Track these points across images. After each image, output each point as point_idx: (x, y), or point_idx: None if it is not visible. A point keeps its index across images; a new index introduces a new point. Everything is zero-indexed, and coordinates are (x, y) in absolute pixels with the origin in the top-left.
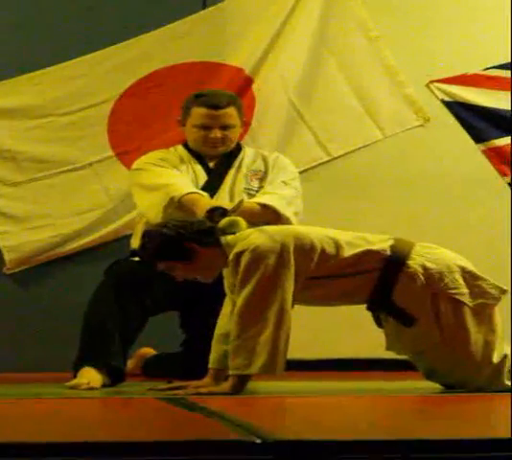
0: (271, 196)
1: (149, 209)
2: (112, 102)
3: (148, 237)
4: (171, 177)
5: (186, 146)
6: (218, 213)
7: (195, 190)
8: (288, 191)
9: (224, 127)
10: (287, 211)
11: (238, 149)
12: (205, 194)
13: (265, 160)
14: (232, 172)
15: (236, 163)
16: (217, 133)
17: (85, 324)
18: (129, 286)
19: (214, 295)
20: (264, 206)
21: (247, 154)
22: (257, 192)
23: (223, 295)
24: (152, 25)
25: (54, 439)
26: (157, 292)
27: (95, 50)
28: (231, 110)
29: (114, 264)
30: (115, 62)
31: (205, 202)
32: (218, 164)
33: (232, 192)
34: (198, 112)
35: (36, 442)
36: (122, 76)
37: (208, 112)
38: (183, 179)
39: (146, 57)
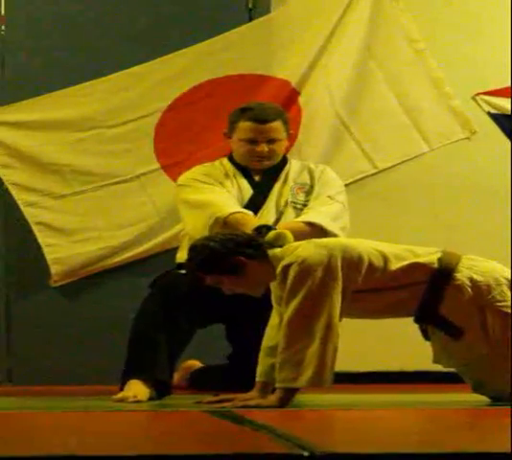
0: (317, 214)
1: (193, 228)
2: (159, 114)
3: (195, 251)
4: (215, 195)
5: (231, 159)
6: (264, 231)
7: (239, 209)
8: (333, 206)
9: (271, 141)
10: (333, 227)
11: (284, 161)
12: (250, 212)
13: (311, 173)
14: (278, 185)
15: (282, 176)
16: (263, 147)
17: (133, 336)
18: (177, 298)
19: (260, 308)
20: (310, 224)
21: (293, 167)
22: (303, 205)
23: (270, 308)
24: (199, 37)
25: (100, 452)
26: (204, 305)
27: (141, 62)
28: (277, 124)
29: (160, 278)
30: (162, 75)
31: (252, 221)
32: (263, 177)
33: (278, 205)
34: (245, 126)
35: (82, 455)
36: (168, 88)
37: (255, 126)
38: (227, 197)
39: (192, 69)
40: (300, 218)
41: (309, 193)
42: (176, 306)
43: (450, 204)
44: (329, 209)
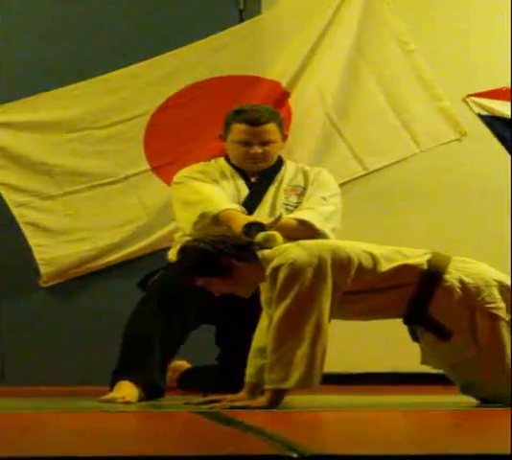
0: (309, 212)
1: (184, 224)
2: (149, 115)
3: (185, 252)
4: (207, 192)
5: (228, 159)
6: (255, 228)
7: (231, 206)
8: (327, 207)
9: (265, 143)
10: (324, 227)
11: (280, 163)
12: (241, 209)
13: (305, 175)
14: (273, 187)
15: (277, 178)
16: (257, 149)
17: (126, 337)
18: (172, 300)
19: (251, 309)
20: (301, 222)
21: (289, 169)
22: (295, 207)
23: (260, 310)
24: (189, 39)
25: (86, 453)
26: (197, 306)
27: (132, 63)
28: (271, 126)
29: (150, 277)
30: (152, 76)
31: (242, 218)
32: (259, 179)
33: (273, 207)
34: (239, 128)
35: (70, 455)
36: (159, 89)
37: (248, 128)
38: (219, 194)
39: (183, 70)
40: (292, 215)
41: (301, 195)
42: (173, 307)
43: (441, 205)
44: (322, 209)
